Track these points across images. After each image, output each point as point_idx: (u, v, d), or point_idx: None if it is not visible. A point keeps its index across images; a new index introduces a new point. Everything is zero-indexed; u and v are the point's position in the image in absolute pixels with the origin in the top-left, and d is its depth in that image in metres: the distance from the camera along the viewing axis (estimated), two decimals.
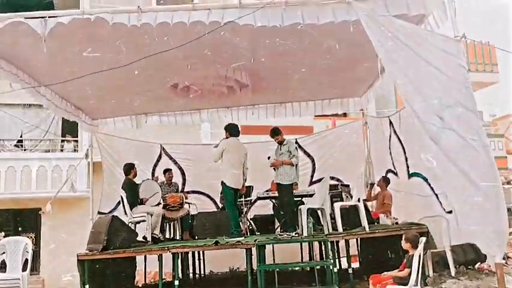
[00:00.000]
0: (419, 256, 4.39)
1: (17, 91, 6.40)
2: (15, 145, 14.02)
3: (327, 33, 5.19)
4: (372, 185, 8.02)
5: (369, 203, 7.91)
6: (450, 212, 6.32)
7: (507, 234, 4.76)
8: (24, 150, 13.89)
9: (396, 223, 6.85)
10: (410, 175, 7.56)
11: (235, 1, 4.98)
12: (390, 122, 8.12)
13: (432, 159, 4.66)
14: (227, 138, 6.88)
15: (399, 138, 7.82)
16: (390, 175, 8.08)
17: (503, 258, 4.78)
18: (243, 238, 6.40)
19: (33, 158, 13.33)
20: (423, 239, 4.60)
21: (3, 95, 6.46)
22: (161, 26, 4.88)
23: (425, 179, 7.07)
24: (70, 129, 13.62)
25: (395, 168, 8.10)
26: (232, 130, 6.95)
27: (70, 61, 6.02)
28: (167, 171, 8.44)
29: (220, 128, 9.82)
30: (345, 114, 14.94)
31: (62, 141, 14.23)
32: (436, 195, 6.79)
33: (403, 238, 4.76)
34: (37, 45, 5.07)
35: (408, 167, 7.64)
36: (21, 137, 14.02)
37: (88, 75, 6.10)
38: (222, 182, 6.69)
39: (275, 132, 7.05)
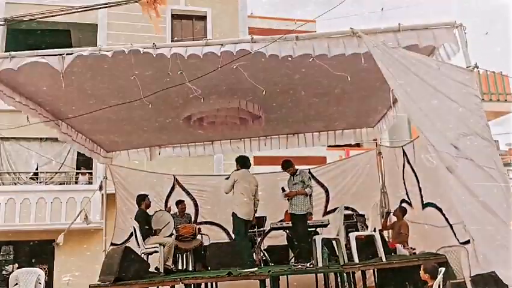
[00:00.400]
0: (439, 287, 4.28)
1: (33, 125, 6.57)
2: (30, 178, 14.22)
3: (339, 65, 5.26)
4: (388, 213, 7.93)
5: (385, 233, 7.80)
6: (466, 242, 6.22)
7: None
8: (40, 182, 14.07)
9: (414, 253, 6.73)
10: (424, 205, 7.48)
11: (247, 38, 5.10)
12: (404, 152, 8.09)
13: (449, 189, 4.60)
14: (238, 170, 6.93)
15: (412, 168, 7.78)
16: (404, 205, 8.00)
17: None
18: (256, 269, 6.32)
19: (48, 190, 13.49)
20: (442, 270, 4.51)
21: (21, 128, 6.62)
22: (175, 60, 5.00)
23: (440, 209, 6.98)
24: (84, 161, 13.81)
25: (409, 199, 8.02)
26: (243, 162, 7.02)
27: (86, 96, 6.20)
28: (180, 202, 8.46)
29: (232, 159, 9.87)
30: (358, 145, 14.94)
31: (77, 173, 14.40)
32: (451, 225, 6.69)
33: (422, 268, 4.68)
34: (55, 81, 5.24)
35: (422, 197, 7.56)
36: (37, 169, 14.23)
37: (103, 109, 6.27)
38: (233, 213, 6.69)
39: (287, 164, 7.07)
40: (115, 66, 5.40)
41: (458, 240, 6.49)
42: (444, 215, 6.88)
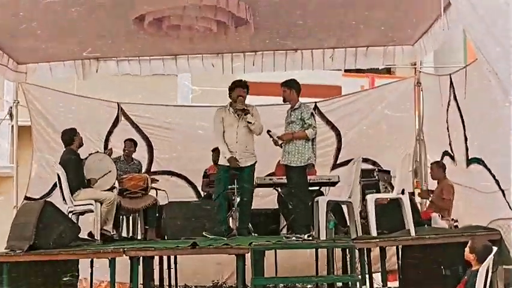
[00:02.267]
0: (486, 272, 4.45)
1: None
2: None
3: None
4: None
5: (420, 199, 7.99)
6: None
7: None
8: None
9: (456, 226, 6.92)
10: (469, 161, 7.57)
11: None
12: (451, 83, 8.06)
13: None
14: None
15: (459, 107, 7.77)
16: (446, 159, 8.13)
17: None
18: (233, 239, 6.48)
19: None
20: (494, 250, 4.65)
21: None
22: None
23: (488, 169, 7.09)
24: None
25: (452, 151, 8.12)
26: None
27: None
28: (128, 141, 8.43)
29: (203, 83, 9.72)
30: (388, 71, 14.96)
31: None
32: (503, 191, 6.83)
33: (467, 246, 4.81)
34: None
35: (467, 149, 7.63)
36: None
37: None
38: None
39: (288, 83, 6.98)
40: None
41: None
42: (494, 176, 6.99)
